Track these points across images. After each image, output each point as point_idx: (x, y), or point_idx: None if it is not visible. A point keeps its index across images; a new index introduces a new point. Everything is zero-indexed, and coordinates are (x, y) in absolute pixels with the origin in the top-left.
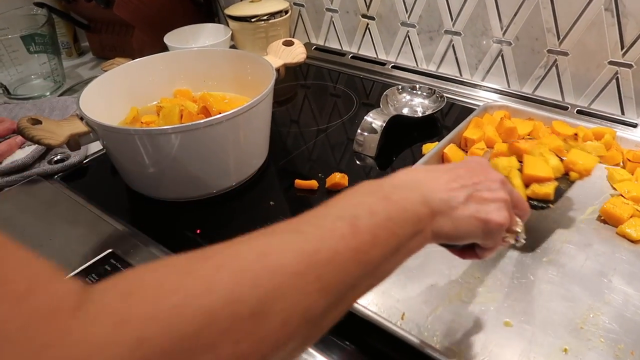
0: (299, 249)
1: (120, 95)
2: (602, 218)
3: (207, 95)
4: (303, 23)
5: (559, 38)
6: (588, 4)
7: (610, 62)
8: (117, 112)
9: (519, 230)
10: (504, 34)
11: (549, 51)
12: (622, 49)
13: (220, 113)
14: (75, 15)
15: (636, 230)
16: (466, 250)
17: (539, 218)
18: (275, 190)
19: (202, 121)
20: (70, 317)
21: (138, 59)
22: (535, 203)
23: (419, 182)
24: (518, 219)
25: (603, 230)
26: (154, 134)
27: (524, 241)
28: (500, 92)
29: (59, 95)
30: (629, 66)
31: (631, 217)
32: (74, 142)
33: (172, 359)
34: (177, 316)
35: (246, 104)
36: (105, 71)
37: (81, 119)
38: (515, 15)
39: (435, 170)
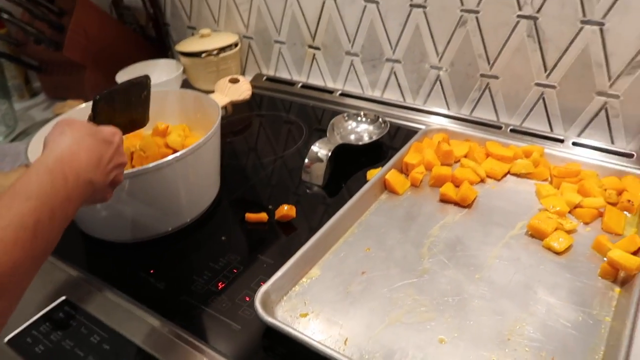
0: None
1: None
2: (529, 233)
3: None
4: (253, 55)
5: (489, 63)
6: (512, 31)
7: (537, 84)
8: None
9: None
10: (439, 60)
11: (482, 75)
12: (545, 71)
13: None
14: (26, 58)
15: (559, 243)
16: None
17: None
18: (227, 225)
19: (151, 165)
20: None
21: (87, 103)
22: None
23: (88, 172)
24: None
25: (531, 245)
26: None
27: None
28: (441, 115)
29: (11, 140)
30: (553, 87)
31: (555, 230)
32: None
33: None
34: None
35: (193, 144)
36: (57, 114)
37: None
38: (448, 43)
39: (96, 151)
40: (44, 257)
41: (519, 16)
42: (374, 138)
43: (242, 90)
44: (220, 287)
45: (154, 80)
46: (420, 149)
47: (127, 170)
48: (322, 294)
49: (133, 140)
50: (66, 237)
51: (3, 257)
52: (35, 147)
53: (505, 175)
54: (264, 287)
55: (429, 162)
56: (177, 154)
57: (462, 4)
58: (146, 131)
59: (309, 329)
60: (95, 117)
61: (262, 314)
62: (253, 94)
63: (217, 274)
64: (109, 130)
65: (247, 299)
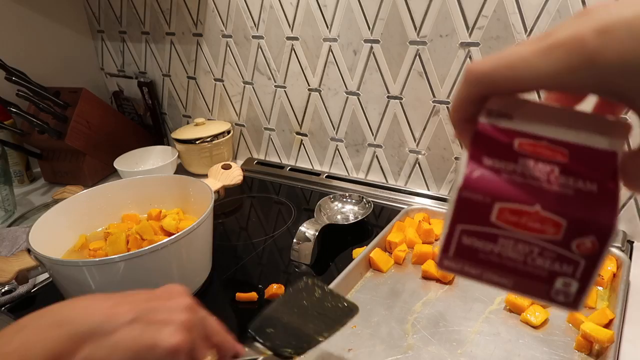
0: None
1: (70, 223)
2: (507, 307)
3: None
4: (245, 141)
5: (462, 147)
6: None
7: None
8: (66, 240)
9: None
10: (417, 145)
11: (456, 158)
12: None
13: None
14: (28, 146)
15: (535, 317)
16: None
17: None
18: (218, 304)
19: (146, 248)
20: None
21: (88, 189)
22: None
23: (75, 310)
24: (215, 354)
25: (509, 319)
26: (101, 264)
27: None
28: (422, 195)
29: (9, 225)
30: None
31: (531, 304)
32: (22, 277)
33: None
34: None
35: (187, 227)
36: (56, 199)
37: (28, 251)
38: (424, 129)
39: (114, 296)
40: None
41: None
42: (359, 218)
43: (234, 175)
44: None
45: (149, 166)
46: (403, 228)
47: (124, 254)
48: None
49: (129, 224)
50: None
51: None
52: (36, 233)
53: None
54: None
55: (411, 241)
56: (172, 237)
57: (433, 95)
58: (142, 215)
59: None
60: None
61: None
62: (245, 177)
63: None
64: None
65: None
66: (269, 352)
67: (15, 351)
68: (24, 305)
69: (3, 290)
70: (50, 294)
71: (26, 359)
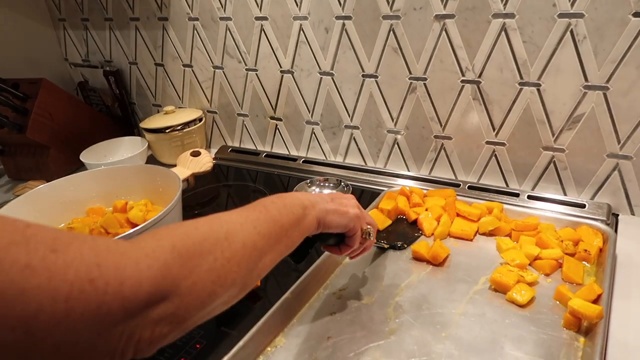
0: (238, 214)
1: (32, 219)
2: (492, 287)
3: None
4: (218, 128)
5: (441, 125)
6: (459, 95)
7: (487, 142)
8: None
9: (370, 231)
10: (395, 124)
11: (436, 137)
12: (493, 130)
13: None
14: None
15: (522, 295)
16: (338, 247)
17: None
18: None
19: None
20: (126, 244)
21: (49, 183)
22: None
23: (304, 195)
24: (369, 227)
25: (494, 299)
26: None
27: (374, 240)
28: (402, 177)
29: None
30: (503, 144)
31: (517, 283)
32: None
33: (192, 256)
34: (187, 237)
35: (153, 217)
36: (17, 195)
37: None
38: (401, 108)
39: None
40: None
41: (462, 81)
42: None
43: (204, 162)
44: None
45: (118, 158)
46: (394, 197)
47: None
48: None
49: (94, 218)
50: None
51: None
52: None
53: (475, 234)
54: None
55: (402, 210)
56: (137, 227)
57: (410, 72)
58: (108, 208)
59: None
60: None
61: None
62: (219, 166)
63: (179, 350)
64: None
65: None
66: (387, 245)
67: (287, 197)
68: None
69: None
70: None
71: (294, 201)
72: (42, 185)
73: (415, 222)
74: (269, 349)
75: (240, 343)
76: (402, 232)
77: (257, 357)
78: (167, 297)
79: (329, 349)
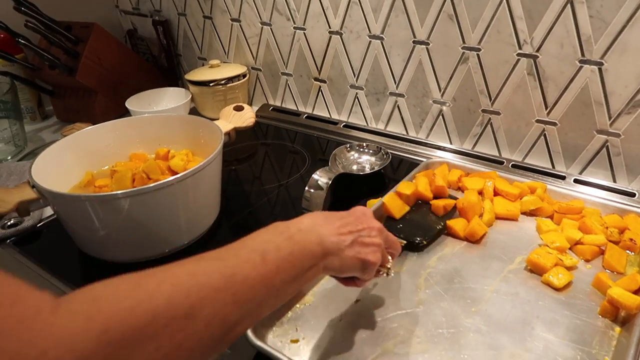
0: (220, 271)
1: (77, 159)
2: (528, 268)
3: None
4: (261, 86)
5: (490, 99)
6: (513, 69)
7: (537, 121)
8: (72, 176)
9: (389, 267)
10: (442, 95)
11: (483, 111)
12: (546, 108)
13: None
14: (40, 82)
15: (558, 278)
16: (348, 279)
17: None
18: None
19: (151, 185)
20: (50, 315)
21: (95, 126)
22: None
23: (318, 226)
24: (390, 258)
25: (529, 279)
26: (104, 199)
27: (392, 275)
28: (443, 149)
29: (19, 160)
30: (554, 124)
31: (555, 266)
32: (23, 209)
33: (127, 345)
34: (131, 315)
35: (194, 167)
36: (65, 136)
37: (32, 186)
38: (450, 78)
39: (331, 217)
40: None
41: (519, 54)
42: (376, 168)
43: (246, 117)
44: None
45: (162, 107)
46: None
47: (127, 190)
48: (315, 320)
49: (137, 163)
50: (64, 256)
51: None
52: (39, 166)
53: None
54: None
55: (421, 194)
56: (178, 175)
57: (463, 41)
58: (150, 155)
59: (299, 356)
60: None
61: (252, 338)
62: (259, 123)
63: None
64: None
65: None
66: (405, 242)
67: (299, 242)
68: (29, 239)
69: (9, 223)
70: (56, 229)
71: (302, 248)
72: (88, 128)
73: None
74: (297, 305)
75: None
76: (421, 223)
77: (287, 312)
78: None
79: (356, 311)
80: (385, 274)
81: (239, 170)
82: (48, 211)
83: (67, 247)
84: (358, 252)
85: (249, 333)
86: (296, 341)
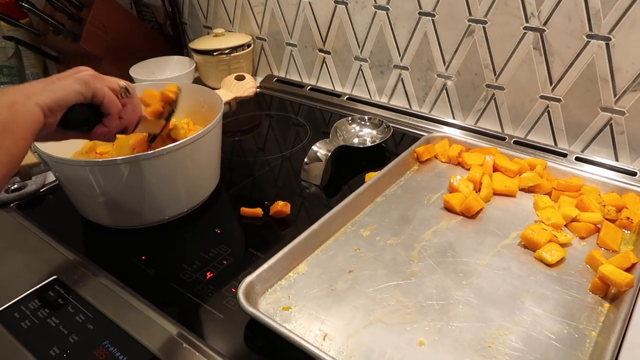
0: None
1: None
2: (522, 243)
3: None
4: (265, 56)
5: (495, 74)
6: (519, 43)
7: (542, 97)
8: (74, 142)
9: (123, 85)
10: (446, 69)
11: (488, 86)
12: (550, 84)
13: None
14: (45, 48)
15: (551, 254)
16: (97, 130)
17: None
18: (223, 217)
19: (150, 152)
20: None
21: None
22: None
23: (15, 90)
24: (119, 81)
25: (522, 255)
26: (104, 165)
27: (132, 90)
28: (446, 124)
29: None
30: (558, 100)
31: (549, 242)
32: (24, 173)
33: None
34: None
35: (194, 134)
36: None
37: (34, 151)
38: (455, 52)
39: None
40: None
41: (525, 28)
42: (377, 142)
43: (247, 87)
44: (209, 277)
45: (166, 76)
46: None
47: (127, 156)
48: (307, 289)
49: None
50: (65, 221)
51: None
52: None
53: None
54: (248, 278)
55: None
56: (177, 142)
57: (469, 13)
58: None
59: (290, 323)
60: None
61: (244, 304)
62: (263, 95)
63: (206, 264)
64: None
65: (233, 290)
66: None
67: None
68: (32, 203)
69: (12, 188)
70: (58, 195)
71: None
72: None
73: None
74: (291, 274)
75: (265, 265)
76: None
77: (279, 280)
78: None
79: (349, 281)
80: (126, 92)
81: (242, 140)
82: (51, 176)
83: (69, 212)
84: (71, 76)
85: (241, 299)
86: (288, 308)
